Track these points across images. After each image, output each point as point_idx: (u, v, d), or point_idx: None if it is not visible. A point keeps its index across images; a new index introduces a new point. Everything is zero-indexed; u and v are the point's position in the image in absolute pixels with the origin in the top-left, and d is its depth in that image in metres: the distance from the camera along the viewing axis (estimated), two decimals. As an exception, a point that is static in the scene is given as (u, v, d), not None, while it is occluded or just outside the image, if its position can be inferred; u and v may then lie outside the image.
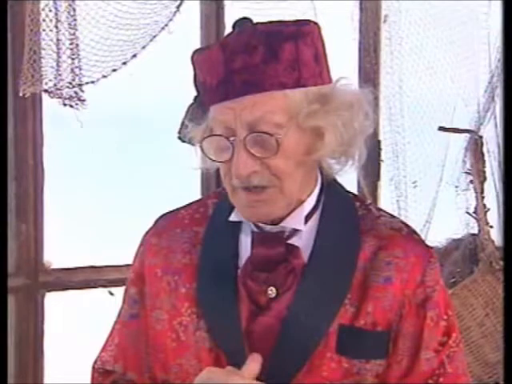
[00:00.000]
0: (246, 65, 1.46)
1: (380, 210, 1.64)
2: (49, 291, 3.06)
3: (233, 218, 1.58)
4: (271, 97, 1.46)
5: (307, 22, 1.53)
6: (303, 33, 1.49)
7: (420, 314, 1.55)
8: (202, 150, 1.51)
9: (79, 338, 3.00)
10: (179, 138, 1.60)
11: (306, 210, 1.56)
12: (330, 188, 1.59)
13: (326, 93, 1.49)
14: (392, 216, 1.64)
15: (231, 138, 1.48)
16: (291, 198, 1.52)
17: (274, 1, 3.06)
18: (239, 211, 1.55)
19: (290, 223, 1.55)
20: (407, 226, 1.61)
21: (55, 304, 3.06)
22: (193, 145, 1.57)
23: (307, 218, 1.56)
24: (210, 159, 1.52)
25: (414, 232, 1.61)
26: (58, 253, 3.04)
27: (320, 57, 1.51)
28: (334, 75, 1.55)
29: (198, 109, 1.54)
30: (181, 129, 1.59)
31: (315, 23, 1.54)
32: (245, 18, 1.52)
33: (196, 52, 1.53)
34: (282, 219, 1.54)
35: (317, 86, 1.49)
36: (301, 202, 1.55)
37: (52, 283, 3.05)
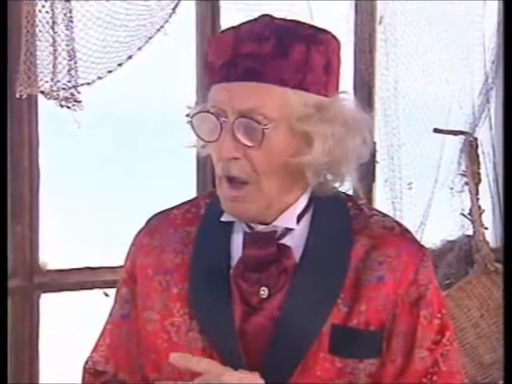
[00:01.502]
0: (252, 52, 1.46)
1: (372, 209, 1.64)
2: (44, 292, 3.06)
3: (224, 218, 1.58)
4: (268, 90, 1.46)
5: (326, 31, 1.52)
6: (319, 39, 1.49)
7: (413, 312, 1.55)
8: (192, 125, 1.52)
9: (75, 339, 3.00)
10: (187, 118, 1.61)
11: (298, 209, 1.56)
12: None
13: (324, 104, 1.49)
14: (384, 215, 1.64)
15: (221, 119, 1.48)
16: (270, 199, 1.52)
17: (269, 2, 3.06)
18: (222, 205, 1.55)
19: (282, 222, 1.55)
20: (400, 224, 1.62)
21: (51, 305, 3.06)
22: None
23: (299, 218, 1.56)
24: (198, 136, 1.53)
25: (407, 231, 1.61)
26: (53, 254, 3.05)
27: (331, 69, 1.50)
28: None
29: (204, 89, 1.56)
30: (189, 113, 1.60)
31: (335, 37, 1.54)
32: (266, 15, 1.52)
33: (214, 35, 1.55)
34: (271, 220, 1.55)
35: (319, 95, 1.49)
36: (289, 205, 1.55)
37: (47, 284, 3.05)
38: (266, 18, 1.50)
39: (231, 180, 1.51)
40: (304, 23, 1.52)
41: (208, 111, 1.50)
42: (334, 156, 1.51)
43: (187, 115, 1.56)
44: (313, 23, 1.54)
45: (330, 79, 1.50)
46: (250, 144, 1.47)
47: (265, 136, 1.46)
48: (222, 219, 1.58)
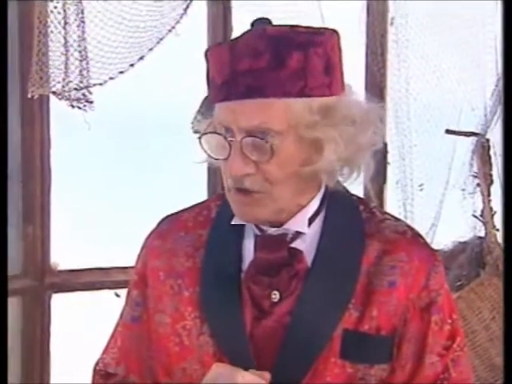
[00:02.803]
0: (250, 69, 1.45)
1: (384, 213, 1.63)
2: (55, 293, 3.07)
3: (235, 221, 1.58)
4: (272, 104, 1.45)
5: (322, 30, 1.50)
6: (315, 42, 1.47)
7: (424, 318, 1.54)
8: (201, 144, 1.51)
9: (86, 339, 3.00)
10: (192, 127, 1.61)
11: (309, 212, 1.55)
12: (334, 192, 1.57)
13: (330, 105, 1.48)
14: (396, 219, 1.63)
15: (229, 139, 1.48)
16: (281, 204, 1.51)
17: (281, 3, 3.06)
18: (233, 209, 1.55)
19: (292, 226, 1.54)
20: (412, 229, 1.61)
21: (62, 305, 3.07)
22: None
23: (310, 222, 1.56)
24: (208, 155, 1.53)
25: (419, 235, 1.61)
26: (64, 254, 3.05)
27: (332, 68, 1.48)
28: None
29: (209, 103, 1.54)
30: (194, 120, 1.61)
31: (333, 31, 1.52)
32: (263, 19, 1.51)
33: (211, 47, 1.53)
34: (284, 222, 1.54)
35: (324, 97, 1.48)
36: (301, 207, 1.54)
37: (59, 285, 3.06)
38: (259, 30, 1.48)
39: (241, 190, 1.50)
40: (298, 27, 1.50)
41: (215, 132, 1.50)
42: (348, 155, 1.50)
43: (195, 132, 1.56)
44: (323, 25, 1.53)
45: (332, 78, 1.49)
46: (261, 160, 1.47)
47: (274, 150, 1.46)
48: (233, 222, 1.58)
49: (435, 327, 1.55)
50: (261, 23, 1.50)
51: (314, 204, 1.56)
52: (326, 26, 1.54)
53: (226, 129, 1.48)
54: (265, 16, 1.52)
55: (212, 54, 1.51)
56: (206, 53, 1.53)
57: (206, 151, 1.51)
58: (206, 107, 1.56)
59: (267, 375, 1.45)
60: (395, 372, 1.54)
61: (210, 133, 1.50)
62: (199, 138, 1.51)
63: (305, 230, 1.55)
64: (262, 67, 1.45)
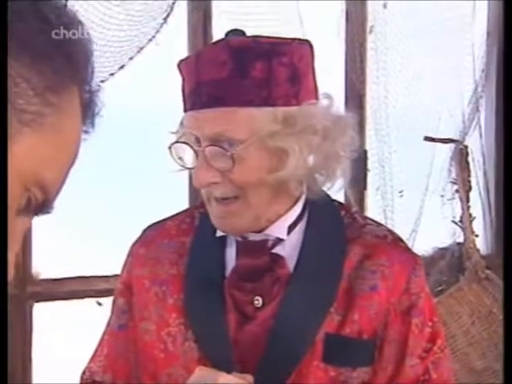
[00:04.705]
0: (213, 78, 1.47)
1: (366, 217, 1.66)
2: (37, 301, 3.06)
3: (219, 233, 1.60)
4: (235, 113, 1.46)
5: (289, 40, 1.52)
6: (281, 52, 1.48)
7: (405, 321, 1.56)
8: (171, 154, 1.53)
9: (68, 349, 3.00)
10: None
11: (289, 219, 1.56)
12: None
13: (292, 114, 1.48)
14: (378, 224, 1.65)
15: (195, 147, 1.50)
16: (257, 211, 1.52)
17: (260, 12, 3.07)
18: (212, 221, 1.56)
19: (273, 232, 1.56)
20: (392, 233, 1.63)
21: (43, 314, 3.06)
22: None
23: (292, 228, 1.57)
24: (178, 163, 1.54)
25: (400, 239, 1.63)
26: (46, 263, 3.04)
27: (299, 77, 1.49)
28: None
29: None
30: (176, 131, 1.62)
31: (303, 41, 1.53)
32: (237, 30, 1.53)
33: (183, 58, 1.56)
34: (264, 228, 1.55)
35: (289, 106, 1.48)
36: (279, 215, 1.55)
37: (40, 294, 3.05)
38: (223, 41, 1.50)
39: (219, 200, 1.52)
40: (264, 37, 1.51)
41: (183, 141, 1.52)
42: (315, 164, 1.51)
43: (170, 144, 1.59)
44: (302, 32, 1.55)
45: (300, 88, 1.49)
46: (223, 169, 1.48)
47: (235, 159, 1.47)
48: (218, 235, 1.59)
49: (416, 330, 1.57)
50: (234, 35, 1.52)
51: (295, 212, 1.57)
52: (304, 35, 1.55)
53: (192, 137, 1.50)
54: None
55: (182, 65, 1.54)
56: (178, 64, 1.55)
57: (176, 160, 1.53)
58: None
59: (250, 378, 1.47)
60: (377, 374, 1.56)
61: (178, 142, 1.52)
62: (169, 147, 1.53)
63: (284, 237, 1.56)
64: (223, 77, 1.46)
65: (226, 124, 1.46)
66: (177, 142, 1.52)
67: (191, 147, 1.50)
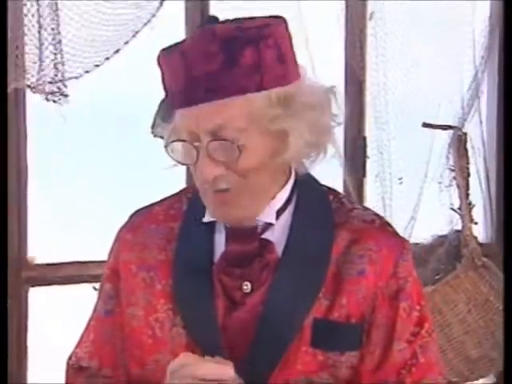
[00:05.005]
0: (205, 72, 1.45)
1: (353, 202, 1.66)
2: (33, 286, 3.06)
3: (207, 219, 1.59)
4: (232, 103, 1.46)
5: (269, 21, 1.51)
6: (265, 34, 1.47)
7: (393, 305, 1.56)
8: (168, 152, 1.52)
9: (63, 334, 2.99)
10: (152, 133, 1.61)
11: (277, 204, 1.56)
12: (304, 182, 1.59)
13: (289, 94, 1.48)
14: (365, 208, 1.66)
15: (195, 144, 1.48)
16: (260, 196, 1.53)
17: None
18: (211, 213, 1.56)
19: (261, 217, 1.55)
20: (380, 217, 1.63)
21: (39, 299, 3.06)
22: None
23: (280, 213, 1.57)
24: (177, 161, 1.53)
25: (387, 224, 1.63)
26: (41, 248, 3.04)
27: (284, 56, 1.49)
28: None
29: (167, 107, 1.54)
30: (153, 125, 1.60)
31: (279, 19, 1.52)
32: (212, 17, 1.52)
33: (161, 53, 1.52)
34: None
35: (281, 86, 1.48)
36: (270, 198, 1.55)
37: (36, 278, 3.05)
38: (207, 32, 1.47)
39: (218, 191, 1.51)
40: (245, 22, 1.49)
41: (181, 139, 1.50)
42: (312, 140, 1.51)
43: (155, 136, 1.57)
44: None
45: (287, 66, 1.50)
46: (229, 161, 1.48)
47: (241, 149, 1.47)
48: (204, 220, 1.59)
49: (403, 314, 1.57)
50: (210, 23, 1.50)
51: (283, 195, 1.57)
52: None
53: (190, 134, 1.49)
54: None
55: (164, 62, 1.51)
56: (158, 59, 1.52)
57: (173, 158, 1.52)
58: (166, 111, 1.55)
59: (230, 365, 1.45)
60: (364, 359, 1.56)
61: (177, 141, 1.50)
62: (166, 146, 1.51)
63: (273, 221, 1.56)
64: (216, 69, 1.45)
65: (225, 116, 1.46)
66: (175, 140, 1.50)
67: (191, 144, 1.48)
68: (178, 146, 1.51)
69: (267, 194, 1.54)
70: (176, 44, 1.50)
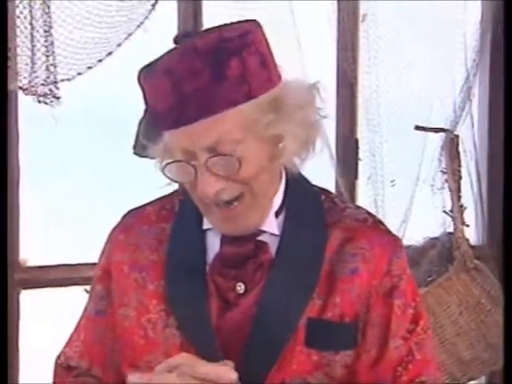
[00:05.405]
0: (194, 89, 1.43)
1: (345, 201, 1.66)
2: (24, 289, 3.05)
3: (206, 226, 1.59)
4: (224, 117, 1.44)
5: (248, 28, 1.48)
6: (247, 43, 1.46)
7: (387, 303, 1.57)
8: (165, 175, 1.50)
9: (55, 336, 2.99)
10: (135, 153, 1.59)
11: (274, 209, 1.57)
12: (295, 183, 1.60)
13: (277, 96, 1.48)
14: (357, 207, 1.66)
15: (192, 162, 1.47)
16: (264, 202, 1.53)
17: (251, 1, 3.06)
18: (216, 227, 1.55)
19: (264, 227, 1.56)
20: (372, 216, 1.63)
21: (31, 302, 3.05)
22: (153, 159, 1.55)
23: (275, 214, 1.57)
24: (175, 181, 1.53)
25: (380, 222, 1.63)
26: (33, 250, 3.04)
27: (266, 60, 1.49)
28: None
29: (152, 127, 1.51)
30: (136, 145, 1.58)
31: (253, 23, 1.51)
32: (186, 34, 1.49)
33: (142, 73, 1.48)
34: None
35: (267, 91, 1.48)
36: (272, 200, 1.57)
37: (27, 281, 3.04)
38: (189, 48, 1.43)
39: (220, 204, 1.50)
40: (224, 30, 1.46)
41: (178, 160, 1.48)
42: (305, 137, 1.51)
43: (139, 155, 1.56)
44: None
45: (270, 69, 1.49)
46: (230, 174, 1.47)
47: (241, 161, 1.46)
48: (204, 227, 1.59)
49: (398, 311, 1.57)
50: (185, 38, 1.47)
51: (279, 198, 1.58)
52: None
53: (185, 152, 1.47)
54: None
55: (147, 83, 1.47)
56: (138, 78, 1.49)
57: (170, 179, 1.51)
58: (150, 132, 1.52)
59: (231, 365, 1.45)
60: (360, 357, 1.56)
61: (174, 161, 1.48)
62: (162, 169, 1.49)
63: (276, 232, 1.56)
64: (204, 85, 1.43)
65: (220, 130, 1.44)
66: (170, 162, 1.48)
67: (188, 163, 1.47)
68: (172, 166, 1.49)
69: (268, 198, 1.55)
70: (155, 62, 1.46)
